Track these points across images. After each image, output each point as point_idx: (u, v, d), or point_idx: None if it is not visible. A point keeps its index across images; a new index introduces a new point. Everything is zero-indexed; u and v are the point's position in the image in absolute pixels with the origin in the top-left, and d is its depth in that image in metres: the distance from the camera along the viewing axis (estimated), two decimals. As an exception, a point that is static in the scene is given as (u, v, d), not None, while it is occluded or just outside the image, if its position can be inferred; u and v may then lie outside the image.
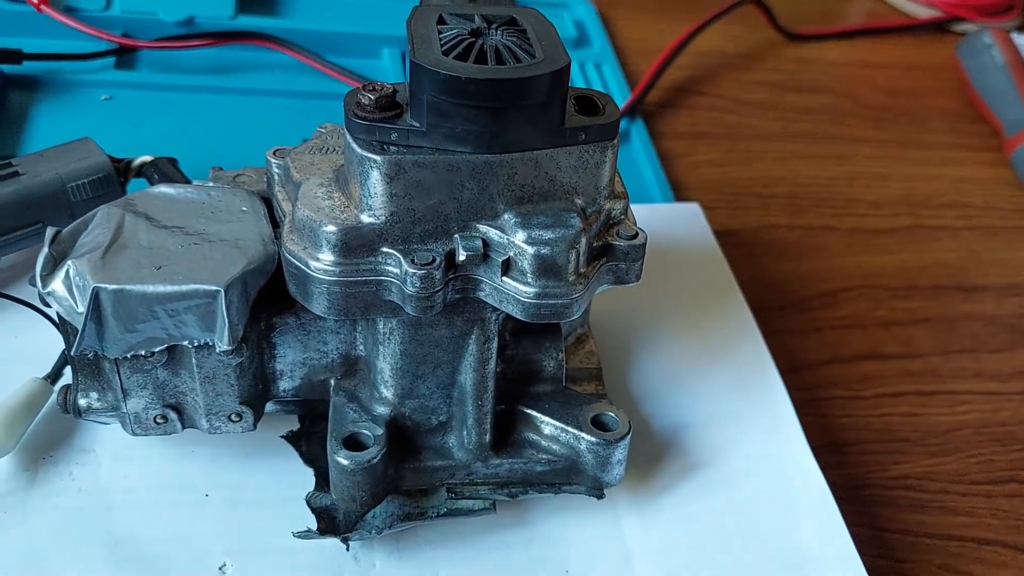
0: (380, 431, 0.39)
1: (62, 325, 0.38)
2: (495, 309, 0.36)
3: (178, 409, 0.39)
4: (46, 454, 0.42)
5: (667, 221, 0.59)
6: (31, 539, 0.39)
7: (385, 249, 0.35)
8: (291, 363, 0.40)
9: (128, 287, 0.35)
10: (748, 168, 0.70)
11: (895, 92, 0.82)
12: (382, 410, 0.40)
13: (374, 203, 0.34)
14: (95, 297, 0.35)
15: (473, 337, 0.38)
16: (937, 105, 0.81)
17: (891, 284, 0.62)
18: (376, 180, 0.34)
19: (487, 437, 0.40)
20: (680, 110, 0.75)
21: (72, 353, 0.37)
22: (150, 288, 0.35)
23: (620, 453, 0.40)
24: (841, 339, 0.57)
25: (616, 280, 0.37)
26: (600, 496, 0.41)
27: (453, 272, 0.35)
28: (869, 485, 0.49)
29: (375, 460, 0.38)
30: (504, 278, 0.35)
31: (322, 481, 0.40)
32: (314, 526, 0.39)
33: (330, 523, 0.39)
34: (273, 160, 0.40)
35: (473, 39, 0.34)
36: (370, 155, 0.33)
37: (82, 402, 0.39)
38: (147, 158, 0.51)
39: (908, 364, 0.56)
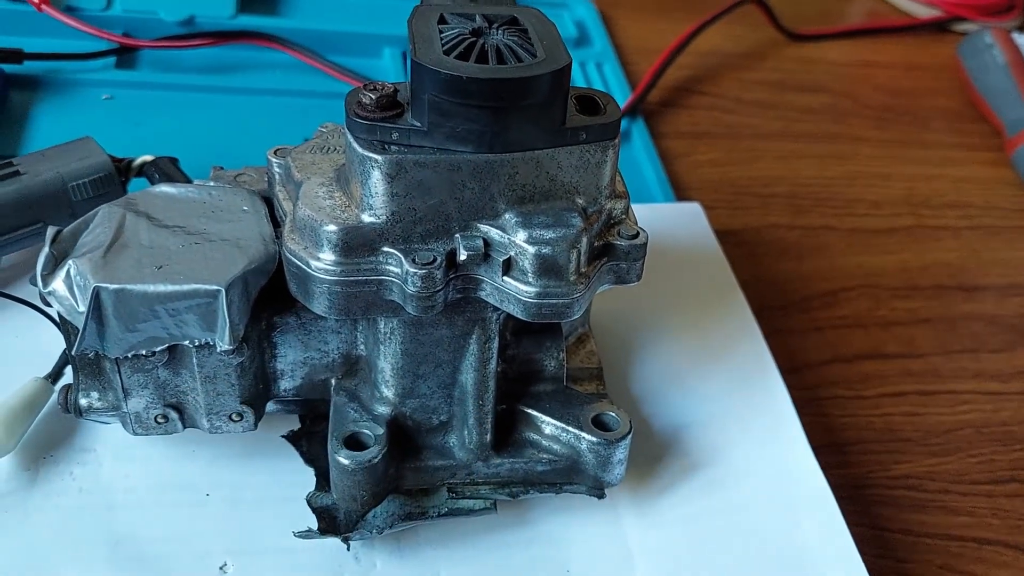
0: (381, 431, 0.39)
1: (63, 325, 0.38)
2: (496, 309, 0.36)
3: (179, 409, 0.39)
4: (47, 453, 0.42)
5: (668, 221, 0.59)
6: (32, 539, 0.39)
7: (386, 249, 0.35)
8: (292, 363, 0.40)
9: (129, 286, 0.35)
10: (749, 168, 0.70)
11: (896, 92, 0.82)
12: (383, 410, 0.40)
13: (375, 203, 0.34)
14: (96, 296, 0.35)
15: (474, 337, 0.38)
16: (938, 105, 0.81)
17: (892, 284, 0.62)
18: (377, 180, 0.34)
19: (488, 437, 0.40)
20: (681, 110, 0.75)
21: (73, 353, 0.37)
22: (151, 288, 0.35)
23: (621, 453, 0.40)
24: (842, 339, 0.57)
25: (617, 280, 0.37)
26: (601, 496, 0.41)
27: (454, 272, 0.35)
28: (870, 485, 0.49)
29: (376, 460, 0.38)
30: (505, 278, 0.35)
31: (323, 481, 0.40)
32: (315, 526, 0.39)
33: (331, 523, 0.39)
34: (274, 159, 0.40)
35: (474, 38, 0.34)
36: (371, 155, 0.33)
37: (83, 401, 0.39)
38: (148, 157, 0.51)
39: (909, 364, 0.56)
